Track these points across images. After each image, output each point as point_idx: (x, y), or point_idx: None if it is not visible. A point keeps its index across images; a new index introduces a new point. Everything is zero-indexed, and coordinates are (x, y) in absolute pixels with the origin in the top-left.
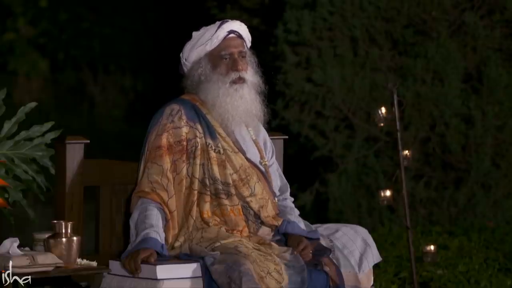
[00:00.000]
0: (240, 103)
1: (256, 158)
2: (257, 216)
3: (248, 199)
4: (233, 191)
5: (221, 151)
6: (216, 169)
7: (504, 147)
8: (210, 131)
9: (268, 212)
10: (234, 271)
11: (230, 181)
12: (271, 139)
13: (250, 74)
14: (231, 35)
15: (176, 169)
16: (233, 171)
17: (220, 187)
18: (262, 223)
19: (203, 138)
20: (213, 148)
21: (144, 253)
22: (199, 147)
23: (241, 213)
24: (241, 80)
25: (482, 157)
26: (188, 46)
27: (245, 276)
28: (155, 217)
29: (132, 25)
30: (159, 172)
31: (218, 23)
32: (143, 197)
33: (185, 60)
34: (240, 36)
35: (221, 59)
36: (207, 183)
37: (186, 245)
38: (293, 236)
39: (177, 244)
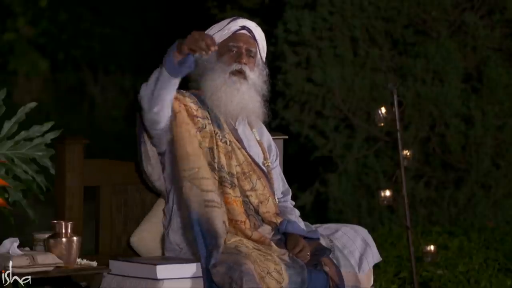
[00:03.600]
0: (235, 95)
1: (259, 159)
2: (256, 211)
3: (248, 193)
4: (236, 182)
5: (228, 142)
6: (222, 157)
7: (504, 147)
8: (218, 123)
9: (267, 209)
10: (235, 271)
11: (234, 172)
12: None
13: (254, 74)
14: (243, 30)
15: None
16: (237, 163)
17: (225, 175)
18: (263, 220)
19: (211, 125)
20: (220, 138)
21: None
22: (207, 129)
23: (242, 206)
24: (241, 74)
25: (482, 157)
26: None
27: (246, 276)
28: None
29: (132, 25)
30: None
31: (234, 17)
32: None
33: None
34: (253, 37)
35: (228, 50)
36: (216, 167)
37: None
38: (292, 236)
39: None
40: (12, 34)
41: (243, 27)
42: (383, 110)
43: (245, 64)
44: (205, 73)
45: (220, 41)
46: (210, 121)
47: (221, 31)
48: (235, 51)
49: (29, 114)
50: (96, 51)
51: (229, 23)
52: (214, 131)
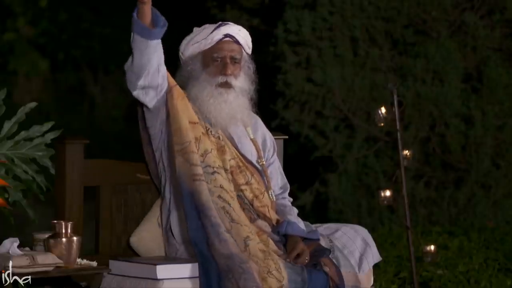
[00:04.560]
0: (223, 106)
1: (252, 157)
2: (251, 205)
3: (243, 187)
4: (230, 177)
5: (221, 137)
6: (215, 153)
7: (504, 147)
8: (209, 119)
9: (262, 203)
10: (234, 265)
11: (228, 167)
12: None
13: (240, 81)
14: (227, 38)
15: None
16: (231, 157)
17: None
18: (258, 215)
19: (202, 121)
20: (213, 133)
21: None
22: (198, 123)
23: (237, 201)
24: (227, 85)
25: (482, 157)
26: (186, 40)
27: (245, 274)
28: None
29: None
30: None
31: (217, 23)
32: None
33: (181, 53)
34: (236, 42)
35: (213, 60)
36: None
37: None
38: (291, 239)
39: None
40: (12, 34)
41: (226, 35)
42: (383, 110)
43: (230, 75)
44: (190, 82)
45: (204, 49)
46: (201, 117)
47: (205, 40)
48: (219, 61)
49: (29, 114)
50: (96, 51)
51: (212, 32)
52: (206, 126)
